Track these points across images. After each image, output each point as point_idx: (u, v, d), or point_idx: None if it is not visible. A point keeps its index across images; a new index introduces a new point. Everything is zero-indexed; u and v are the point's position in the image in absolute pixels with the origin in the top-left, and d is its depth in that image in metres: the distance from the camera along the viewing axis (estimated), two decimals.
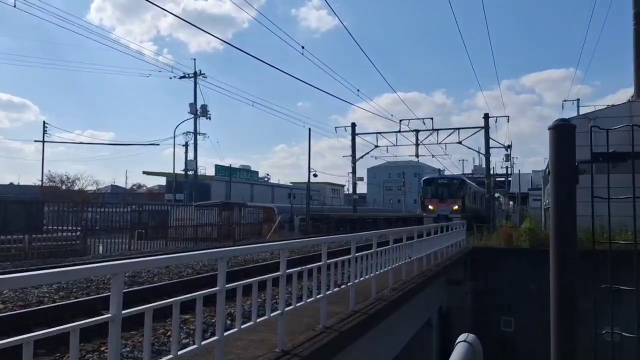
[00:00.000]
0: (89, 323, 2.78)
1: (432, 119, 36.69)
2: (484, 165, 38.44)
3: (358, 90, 31.78)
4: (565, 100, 58.34)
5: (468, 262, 18.98)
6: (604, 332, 2.71)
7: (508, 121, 56.22)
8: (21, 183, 67.15)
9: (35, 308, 6.84)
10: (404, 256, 10.08)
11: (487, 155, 35.72)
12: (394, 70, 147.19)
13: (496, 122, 35.71)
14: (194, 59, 77.09)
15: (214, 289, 3.84)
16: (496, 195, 49.92)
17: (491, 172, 38.28)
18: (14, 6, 14.82)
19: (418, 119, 37.22)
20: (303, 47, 15.80)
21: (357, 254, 7.07)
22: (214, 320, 4.92)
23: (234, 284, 4.06)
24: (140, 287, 8.48)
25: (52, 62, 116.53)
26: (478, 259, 19.25)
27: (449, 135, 36.44)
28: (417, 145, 37.00)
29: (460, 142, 36.03)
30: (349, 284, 6.84)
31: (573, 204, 2.76)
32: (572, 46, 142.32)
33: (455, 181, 32.87)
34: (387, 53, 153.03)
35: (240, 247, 4.96)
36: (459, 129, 36.45)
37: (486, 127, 34.64)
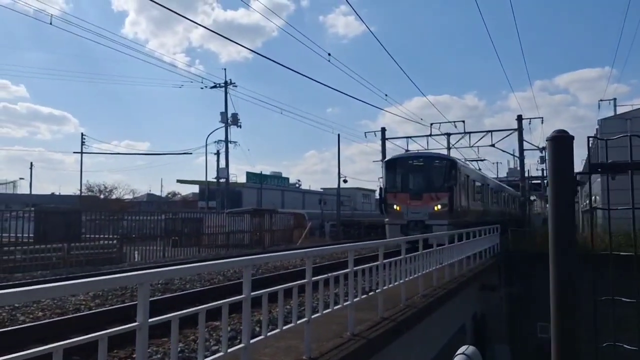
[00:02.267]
0: (117, 331, 2.86)
1: (463, 121, 36.09)
2: (519, 168, 37.62)
3: (386, 95, 31.63)
4: (601, 100, 56.51)
5: (502, 268, 18.61)
6: (605, 344, 2.63)
7: (542, 122, 54.83)
8: (62, 193, 69.55)
9: (72, 315, 7.06)
10: (434, 262, 9.98)
11: (521, 157, 34.96)
12: (423, 73, 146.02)
13: (530, 123, 34.84)
14: (224, 69, 78.76)
15: (239, 296, 3.90)
16: (532, 198, 48.80)
17: (526, 174, 37.47)
18: (50, 23, 15.44)
19: (449, 122, 36.73)
20: (329, 54, 15.84)
21: (385, 261, 7.04)
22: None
23: (259, 291, 4.11)
24: (172, 295, 8.66)
25: (90, 75, 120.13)
26: (513, 264, 18.86)
27: (482, 138, 35.78)
28: (448, 148, 36.50)
29: (493, 145, 35.35)
30: (377, 291, 6.82)
31: (572, 215, 2.69)
32: (607, 44, 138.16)
33: (437, 162, 19.88)
34: (416, 56, 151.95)
35: (264, 255, 5.01)
36: (491, 131, 35.77)
37: (519, 129, 33.93)
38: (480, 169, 33.51)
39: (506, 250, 20.02)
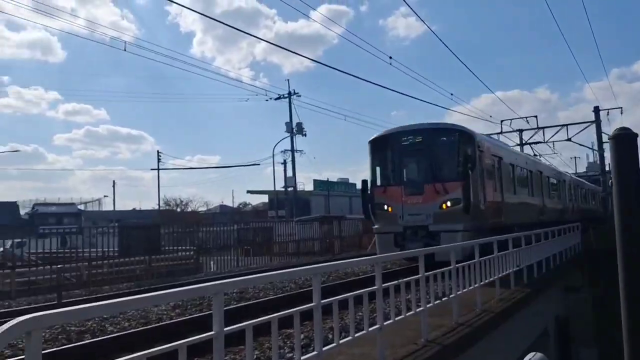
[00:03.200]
0: (194, 340, 2.97)
1: (536, 116, 34.53)
2: (598, 162, 35.54)
3: (451, 94, 30.64)
4: None
5: (586, 268, 17.63)
6: None
7: (621, 113, 51.25)
8: (142, 208, 73.56)
9: (155, 325, 7.43)
10: (511, 264, 9.64)
11: (601, 151, 33.07)
12: (491, 69, 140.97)
13: (608, 114, 32.83)
14: (288, 80, 79.45)
15: (310, 304, 3.95)
16: None
17: (607, 168, 35.34)
18: (124, 49, 16.42)
19: (520, 118, 35.27)
20: (390, 57, 15.74)
21: (457, 265, 6.88)
22: None
23: (329, 299, 4.15)
24: (246, 303, 8.91)
25: (163, 96, 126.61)
26: (597, 264, 17.79)
27: (557, 132, 34.16)
28: (521, 145, 35.09)
29: (569, 139, 33.63)
30: (451, 296, 6.67)
31: (638, 214, 2.51)
32: None
33: (444, 137, 13.90)
34: (482, 52, 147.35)
35: (333, 263, 5.05)
36: (566, 125, 34.07)
37: (597, 121, 32.13)
38: (538, 155, 31.17)
39: (589, 250, 18.93)
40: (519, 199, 16.74)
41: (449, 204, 12.73)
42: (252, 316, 6.53)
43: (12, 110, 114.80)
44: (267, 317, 3.57)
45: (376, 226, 14.20)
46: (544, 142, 34.79)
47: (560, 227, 14.73)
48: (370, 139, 14.69)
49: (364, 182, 14.49)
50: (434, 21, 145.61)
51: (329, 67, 39.69)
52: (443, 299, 6.44)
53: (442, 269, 6.49)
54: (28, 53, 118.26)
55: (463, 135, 13.48)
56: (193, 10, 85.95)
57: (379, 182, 14.24)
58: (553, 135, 34.35)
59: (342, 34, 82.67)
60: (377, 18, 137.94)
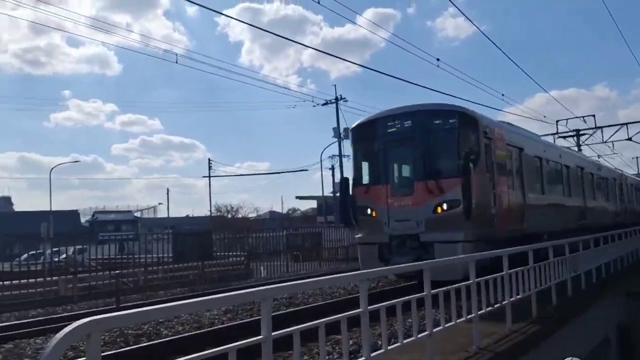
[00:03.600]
0: (244, 344, 3.04)
1: (593, 116, 33.19)
2: None
3: (502, 94, 29.60)
4: None
5: None
6: None
7: None
8: (195, 214, 75.67)
9: (207, 329, 7.62)
10: (568, 270, 9.30)
11: None
12: (545, 68, 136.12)
13: None
14: (334, 85, 79.93)
15: (356, 310, 3.96)
16: None
17: None
18: (176, 62, 16.92)
19: (577, 117, 33.99)
20: (438, 60, 15.45)
21: (510, 270, 6.71)
22: None
23: (376, 305, 4.14)
24: (295, 309, 9.01)
25: (213, 105, 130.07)
26: None
27: (616, 131, 32.72)
28: (578, 146, 33.80)
29: (629, 139, 32.09)
30: (503, 303, 6.50)
31: None
32: None
33: (438, 121, 10.89)
34: (534, 51, 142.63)
35: (379, 269, 5.03)
36: (626, 123, 32.54)
37: None
38: (596, 156, 29.20)
39: None
40: (549, 201, 13.77)
41: (445, 206, 10.16)
42: (300, 321, 6.59)
43: (73, 123, 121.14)
44: (314, 322, 3.61)
45: (358, 235, 11.63)
46: (603, 142, 33.39)
47: (609, 232, 13.40)
48: (353, 125, 11.98)
49: (344, 180, 11.89)
50: (484, 21, 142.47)
51: (375, 71, 39.61)
52: (495, 306, 6.28)
53: (494, 275, 6.34)
54: (87, 67, 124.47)
55: (464, 119, 10.63)
56: (241, 21, 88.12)
57: (364, 180, 11.63)
58: (612, 135, 32.91)
59: (389, 37, 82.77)
60: (425, 20, 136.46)
